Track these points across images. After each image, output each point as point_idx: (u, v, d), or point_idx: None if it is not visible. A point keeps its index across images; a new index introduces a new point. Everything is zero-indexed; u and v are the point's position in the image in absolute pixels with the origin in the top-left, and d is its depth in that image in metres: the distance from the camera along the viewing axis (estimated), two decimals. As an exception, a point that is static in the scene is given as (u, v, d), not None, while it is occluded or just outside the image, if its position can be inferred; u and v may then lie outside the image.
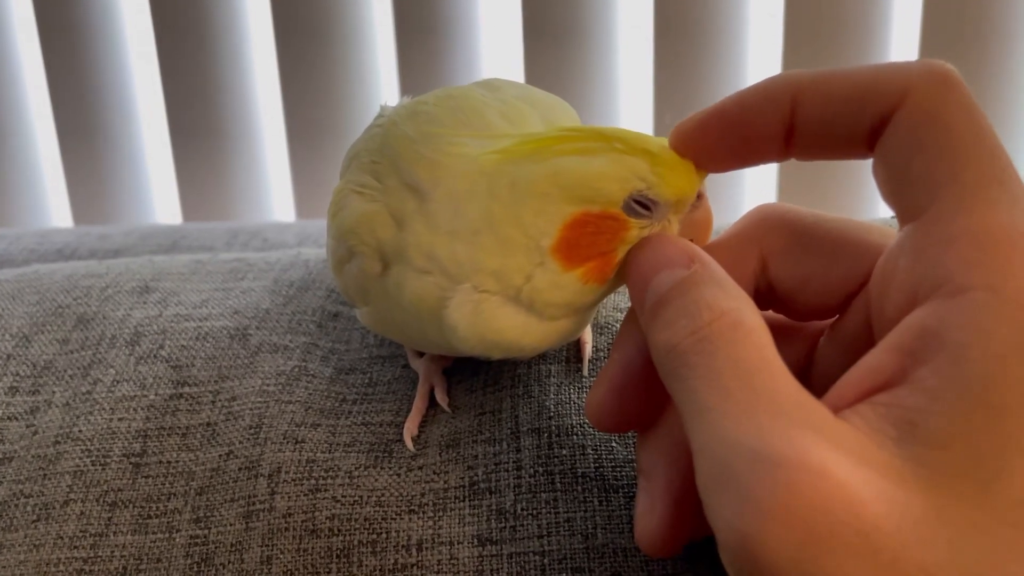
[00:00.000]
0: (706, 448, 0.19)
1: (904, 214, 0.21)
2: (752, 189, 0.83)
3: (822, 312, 0.25)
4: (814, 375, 0.25)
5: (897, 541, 0.17)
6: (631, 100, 0.81)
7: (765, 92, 0.23)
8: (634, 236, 0.25)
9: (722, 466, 0.19)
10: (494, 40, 0.82)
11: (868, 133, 0.22)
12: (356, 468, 0.29)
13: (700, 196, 0.26)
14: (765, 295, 0.25)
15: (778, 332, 0.26)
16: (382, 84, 0.84)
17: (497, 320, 0.26)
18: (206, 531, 0.29)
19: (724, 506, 0.18)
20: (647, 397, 0.25)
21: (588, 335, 0.32)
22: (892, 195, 0.22)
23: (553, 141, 0.25)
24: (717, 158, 0.24)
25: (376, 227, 0.27)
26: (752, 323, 0.21)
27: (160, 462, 0.31)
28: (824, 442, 0.18)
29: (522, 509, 0.28)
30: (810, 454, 0.18)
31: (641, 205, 0.25)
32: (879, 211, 0.82)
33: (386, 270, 0.27)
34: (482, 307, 0.26)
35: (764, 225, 0.25)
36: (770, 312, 0.26)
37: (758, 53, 0.79)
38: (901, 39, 0.77)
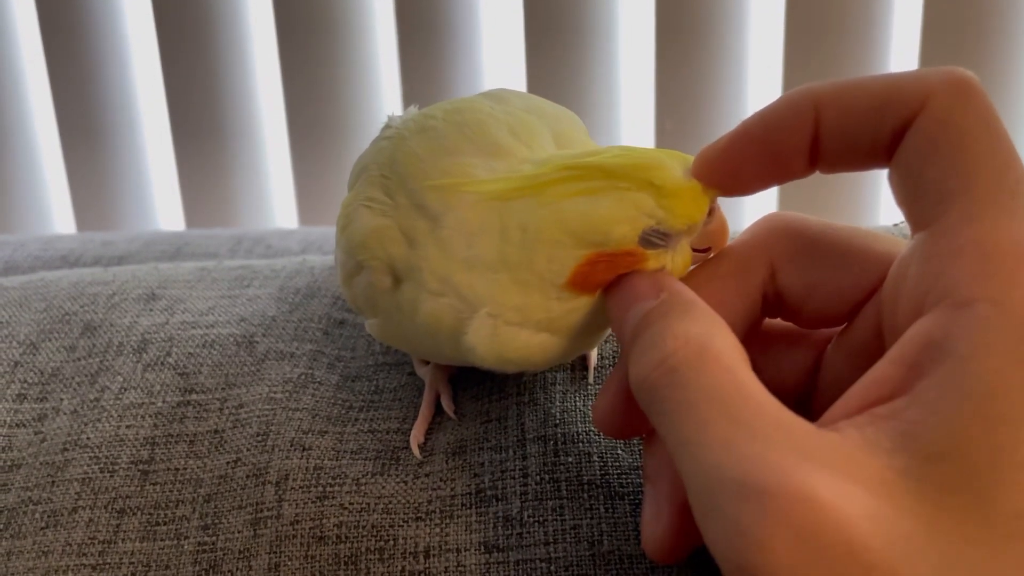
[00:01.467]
0: (692, 481, 0.19)
1: (916, 222, 0.21)
2: (753, 197, 0.83)
3: (830, 320, 0.25)
4: (821, 381, 0.25)
5: (889, 557, 0.17)
6: (632, 102, 0.82)
7: (788, 107, 0.23)
8: (651, 265, 0.25)
9: (709, 498, 0.19)
10: (497, 43, 0.82)
11: (889, 142, 0.22)
12: (363, 475, 0.29)
13: (712, 211, 0.26)
14: (773, 303, 0.25)
15: (786, 339, 0.26)
16: (385, 89, 0.84)
17: (516, 341, 0.26)
18: (214, 538, 0.29)
19: (717, 538, 0.19)
20: None
21: (594, 343, 0.32)
22: (905, 202, 0.22)
23: (555, 182, 0.25)
24: (743, 180, 0.24)
25: (387, 242, 0.27)
26: (719, 346, 0.21)
27: (168, 469, 0.31)
28: (806, 463, 0.18)
29: (528, 516, 0.28)
30: (793, 479, 0.18)
31: (655, 238, 0.25)
32: (880, 219, 0.82)
33: (397, 285, 0.27)
34: (500, 329, 0.26)
35: (773, 234, 0.25)
36: (778, 320, 0.26)
37: (759, 55, 0.79)
38: (902, 39, 0.77)
